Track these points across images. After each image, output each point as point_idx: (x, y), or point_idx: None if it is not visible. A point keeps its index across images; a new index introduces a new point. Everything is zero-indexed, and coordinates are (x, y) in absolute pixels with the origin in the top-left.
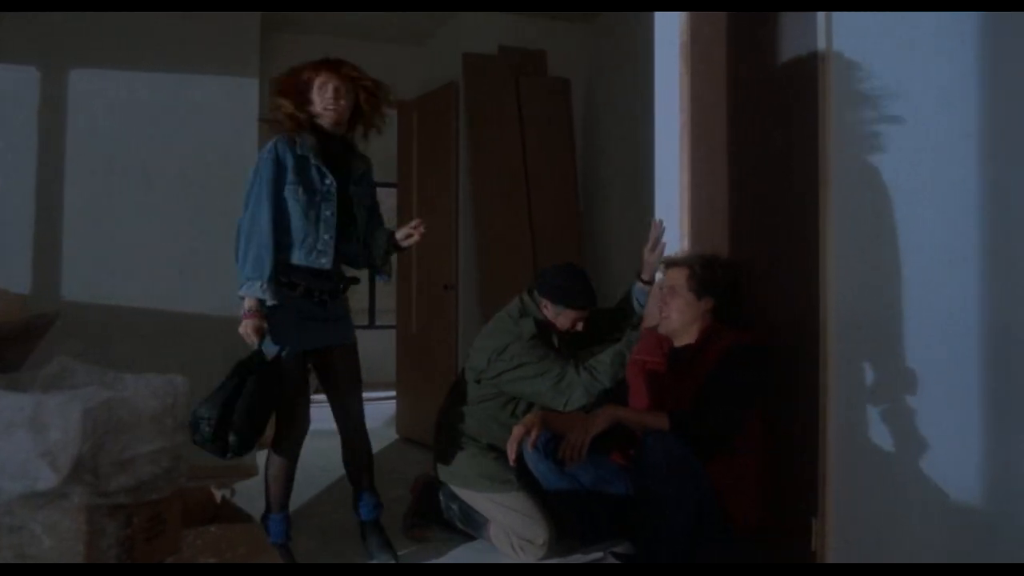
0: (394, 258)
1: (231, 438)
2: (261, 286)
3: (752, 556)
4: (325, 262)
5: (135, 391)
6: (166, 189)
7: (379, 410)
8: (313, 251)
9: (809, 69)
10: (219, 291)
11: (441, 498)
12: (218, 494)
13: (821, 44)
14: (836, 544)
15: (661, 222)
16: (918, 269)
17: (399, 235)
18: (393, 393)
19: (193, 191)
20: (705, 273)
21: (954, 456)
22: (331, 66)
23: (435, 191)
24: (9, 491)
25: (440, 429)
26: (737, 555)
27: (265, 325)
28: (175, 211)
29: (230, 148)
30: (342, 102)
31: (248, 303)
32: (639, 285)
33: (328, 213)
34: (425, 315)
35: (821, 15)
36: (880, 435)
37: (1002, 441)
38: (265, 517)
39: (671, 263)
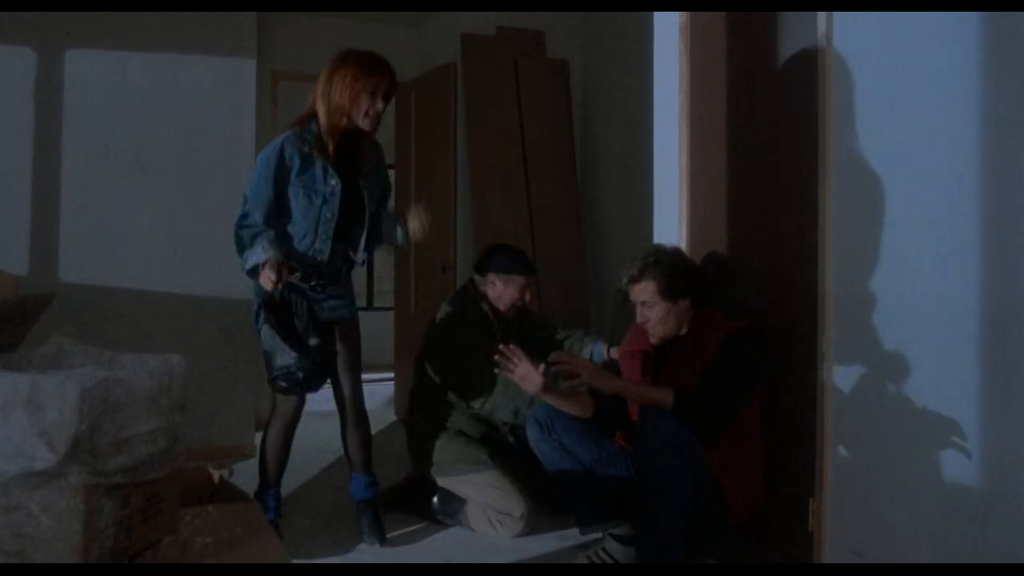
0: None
1: (301, 366)
2: (264, 248)
3: (750, 539)
4: (322, 258)
5: (132, 371)
6: (163, 170)
7: (378, 391)
8: (311, 248)
9: (809, 62)
10: (215, 273)
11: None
12: (216, 474)
13: (821, 43)
14: (833, 524)
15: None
16: (916, 257)
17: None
18: (391, 374)
19: (190, 172)
20: (673, 281)
21: (950, 438)
22: (392, 85)
23: (433, 172)
24: (6, 471)
25: (411, 429)
26: (736, 539)
27: (280, 267)
28: (172, 192)
29: (227, 129)
30: (381, 113)
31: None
32: (602, 348)
33: (328, 215)
34: (424, 296)
35: (821, 14)
36: (876, 417)
37: (998, 423)
38: (258, 494)
39: (633, 279)
